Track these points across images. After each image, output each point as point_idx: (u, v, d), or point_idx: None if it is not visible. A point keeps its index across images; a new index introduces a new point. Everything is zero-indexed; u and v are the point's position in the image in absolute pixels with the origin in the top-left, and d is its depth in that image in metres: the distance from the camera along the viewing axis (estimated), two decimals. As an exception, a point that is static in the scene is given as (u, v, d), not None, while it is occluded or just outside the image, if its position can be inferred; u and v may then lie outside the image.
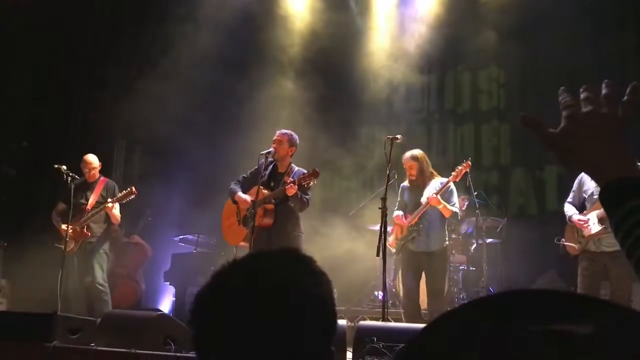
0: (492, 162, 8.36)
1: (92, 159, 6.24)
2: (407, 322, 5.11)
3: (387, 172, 5.07)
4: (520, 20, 7.77)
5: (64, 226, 5.91)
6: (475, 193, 6.71)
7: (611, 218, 0.87)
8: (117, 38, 8.46)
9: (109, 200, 5.95)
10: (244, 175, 5.44)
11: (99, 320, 4.49)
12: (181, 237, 7.74)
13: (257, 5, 8.55)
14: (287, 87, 8.20)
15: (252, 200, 5.05)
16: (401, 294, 6.20)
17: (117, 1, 8.66)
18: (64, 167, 5.97)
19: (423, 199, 5.40)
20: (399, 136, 5.16)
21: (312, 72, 8.26)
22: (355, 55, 8.56)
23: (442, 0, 8.28)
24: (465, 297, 6.87)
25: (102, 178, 6.28)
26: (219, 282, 0.95)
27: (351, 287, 7.42)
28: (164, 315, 4.69)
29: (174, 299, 7.63)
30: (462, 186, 7.20)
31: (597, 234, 4.80)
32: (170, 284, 7.64)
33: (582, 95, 0.94)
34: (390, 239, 5.61)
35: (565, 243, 5.18)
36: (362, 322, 3.95)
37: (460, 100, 8.79)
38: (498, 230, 7.37)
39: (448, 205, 5.28)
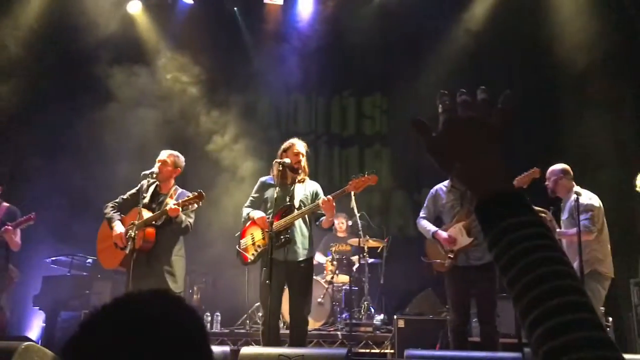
0: (375, 185, 8.66)
1: None
2: (265, 345, 4.53)
3: (275, 196, 4.75)
4: (404, 49, 8.24)
5: None
6: (359, 214, 6.90)
7: (487, 233, 0.84)
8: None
9: (7, 224, 5.81)
10: (122, 196, 5.17)
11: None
12: (54, 258, 7.26)
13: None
14: (171, 104, 8.05)
15: (131, 222, 4.85)
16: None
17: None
18: None
19: (296, 202, 4.84)
20: (287, 160, 4.93)
21: (198, 91, 8.20)
22: (244, 75, 8.59)
23: (328, 27, 8.58)
24: (347, 317, 7.02)
25: (3, 204, 6.11)
26: (89, 331, 0.89)
27: (235, 309, 7.36)
28: (31, 345, 4.35)
29: (44, 325, 7.12)
30: (346, 207, 7.42)
31: (468, 245, 4.75)
32: (40, 309, 7.12)
33: (459, 99, 0.89)
34: (244, 243, 4.94)
35: (430, 261, 5.02)
36: (244, 349, 3.89)
37: (346, 125, 9.11)
38: (379, 250, 7.65)
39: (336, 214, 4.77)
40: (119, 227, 4.95)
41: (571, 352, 0.70)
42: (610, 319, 5.52)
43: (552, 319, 0.73)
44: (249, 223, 4.99)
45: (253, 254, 4.84)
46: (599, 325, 0.73)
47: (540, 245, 0.78)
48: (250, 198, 5.10)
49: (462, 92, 0.90)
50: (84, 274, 7.21)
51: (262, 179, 5.08)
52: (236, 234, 6.88)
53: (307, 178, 5.06)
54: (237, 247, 5.02)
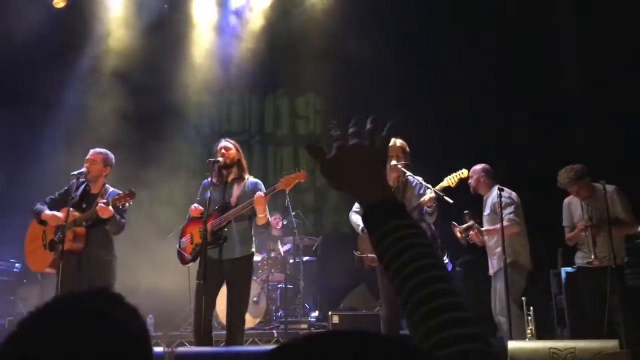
0: (309, 184, 8.78)
1: None
2: (198, 345, 4.46)
3: (209, 195, 4.68)
4: (336, 49, 8.35)
5: None
6: (294, 213, 6.98)
7: (372, 235, 0.98)
8: None
9: None
10: (51, 196, 5.02)
11: None
12: (-26, 264, 6.91)
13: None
14: (102, 103, 7.81)
15: (61, 225, 4.71)
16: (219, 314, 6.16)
17: None
18: None
19: (233, 200, 4.81)
20: (220, 159, 4.88)
21: (130, 89, 7.98)
22: (177, 73, 8.46)
23: (262, 26, 8.60)
24: (282, 314, 7.06)
25: None
26: (25, 332, 0.87)
27: (168, 311, 7.24)
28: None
29: (-37, 334, 6.75)
30: (281, 206, 7.47)
31: None
32: (-42, 318, 6.75)
33: (349, 130, 1.07)
34: (183, 243, 4.93)
35: (362, 255, 5.05)
36: (179, 349, 3.87)
37: (279, 124, 9.16)
38: (314, 248, 7.74)
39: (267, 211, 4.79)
40: (48, 210, 4.85)
41: (441, 331, 0.83)
42: (532, 308, 5.82)
43: (424, 306, 0.87)
44: (188, 222, 4.98)
45: (191, 254, 4.81)
46: (462, 307, 0.87)
47: (415, 243, 0.94)
48: (197, 200, 5.03)
49: (353, 124, 1.08)
50: (7, 279, 6.90)
51: (204, 181, 5.01)
52: (169, 235, 6.84)
53: (248, 176, 4.98)
54: (177, 247, 4.98)
